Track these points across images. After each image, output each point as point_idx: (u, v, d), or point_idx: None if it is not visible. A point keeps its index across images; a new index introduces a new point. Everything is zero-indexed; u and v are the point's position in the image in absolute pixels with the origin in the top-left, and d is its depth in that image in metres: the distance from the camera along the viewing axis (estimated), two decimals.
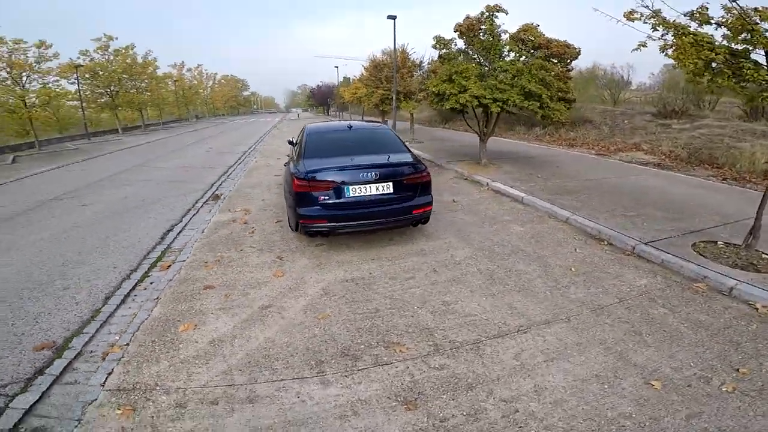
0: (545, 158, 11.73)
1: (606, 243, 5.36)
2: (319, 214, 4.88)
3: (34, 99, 20.59)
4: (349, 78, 38.28)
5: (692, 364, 3.00)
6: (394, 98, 18.46)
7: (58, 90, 22.44)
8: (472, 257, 5.00)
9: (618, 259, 4.86)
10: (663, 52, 4.60)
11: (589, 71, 25.25)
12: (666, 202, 6.80)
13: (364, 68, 21.97)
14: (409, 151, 5.77)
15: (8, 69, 19.49)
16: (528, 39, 8.96)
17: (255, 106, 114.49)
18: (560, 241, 5.48)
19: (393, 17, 17.52)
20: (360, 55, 68.96)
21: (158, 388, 2.90)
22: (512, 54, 9.36)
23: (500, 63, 9.07)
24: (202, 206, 7.94)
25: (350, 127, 6.28)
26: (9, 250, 5.71)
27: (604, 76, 24.98)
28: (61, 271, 4.98)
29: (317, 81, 60.01)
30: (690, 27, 4.35)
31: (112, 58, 32.12)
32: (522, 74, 8.55)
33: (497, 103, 8.64)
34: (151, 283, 4.62)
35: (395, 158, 5.36)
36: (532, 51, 9.13)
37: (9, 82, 19.65)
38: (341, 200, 4.90)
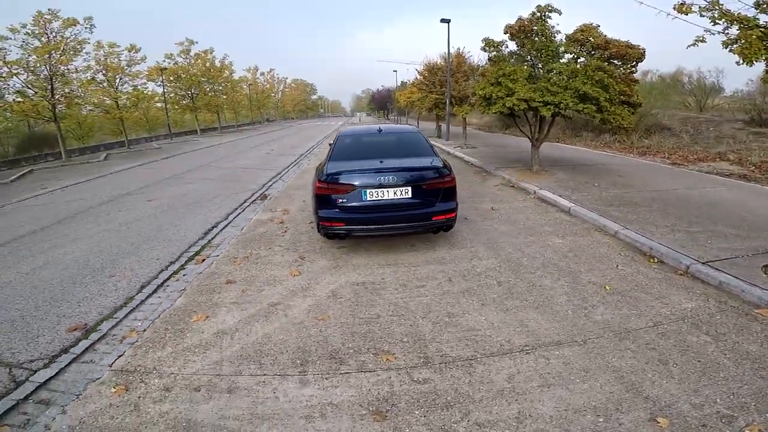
0: (608, 166, 10.82)
1: (656, 261, 4.79)
2: (337, 216, 4.91)
3: (125, 100, 22.66)
4: (405, 82, 38.33)
5: (718, 400, 2.56)
6: (447, 103, 18.15)
7: (146, 92, 24.64)
8: (494, 269, 4.73)
9: (666, 279, 4.32)
10: (727, 47, 4.05)
11: (671, 76, 22.97)
12: (741, 218, 5.93)
13: (419, 72, 21.83)
14: (436, 155, 5.62)
15: (104, 71, 21.53)
16: (586, 40, 8.34)
17: (322, 110, 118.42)
18: (602, 256, 5.00)
19: (447, 21, 17.14)
20: (419, 58, 68.90)
21: (155, 371, 3.11)
22: (568, 56, 8.78)
23: (555, 65, 8.53)
24: (248, 205, 8.41)
25: (380, 130, 6.32)
26: (76, 240, 6.46)
27: (689, 81, 22.53)
28: (113, 260, 5.54)
29: (379, 85, 61.21)
30: (758, 20, 3.77)
31: (192, 61, 34.16)
32: (577, 76, 7.98)
33: (549, 106, 8.13)
34: (184, 275, 4.98)
35: (418, 162, 5.25)
36: (591, 52, 8.49)
37: (105, 84, 21.77)
38: (358, 203, 4.89)
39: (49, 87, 16.93)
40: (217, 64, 37.06)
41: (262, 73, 66.04)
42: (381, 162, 5.13)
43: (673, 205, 6.68)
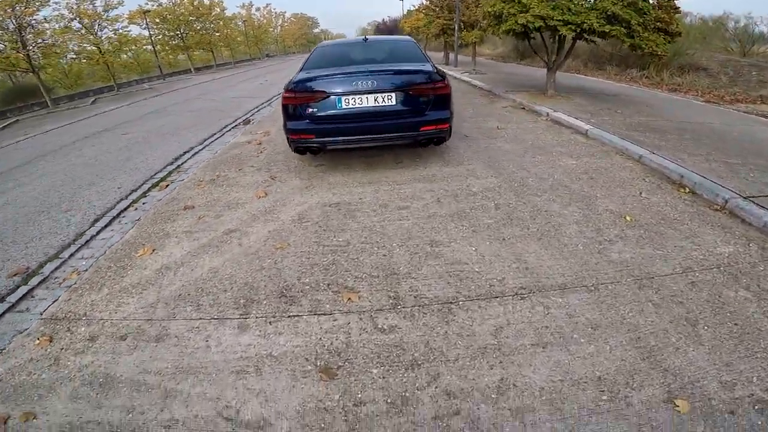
0: (634, 98, 9.55)
1: (688, 191, 3.94)
2: (306, 128, 4.20)
3: (107, 46, 21.81)
4: (412, 10, 35.67)
5: (755, 380, 1.88)
6: (456, 27, 16.39)
7: (128, 36, 23.68)
8: (493, 189, 3.98)
9: (699, 214, 3.46)
10: None
11: (715, 20, 20.35)
12: None
13: None
14: (428, 60, 4.71)
15: (79, 18, 20.53)
16: None
17: None
18: (623, 181, 4.16)
19: None
20: None
21: (84, 318, 2.59)
22: None
23: None
24: (229, 131, 7.66)
25: (366, 39, 5.39)
26: (41, 177, 5.83)
27: (735, 27, 19.91)
28: (73, 193, 4.94)
29: (385, 16, 58.02)
30: None
31: (178, 1, 32.50)
32: None
33: (569, 26, 6.90)
34: (144, 203, 4.40)
35: (404, 66, 4.38)
36: None
37: (83, 31, 20.86)
38: (332, 112, 4.15)
39: (20, 39, 16.31)
40: (206, 1, 35.17)
41: (258, 9, 62.14)
42: (361, 67, 4.29)
43: (707, 137, 5.67)
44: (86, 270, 3.16)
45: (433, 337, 2.19)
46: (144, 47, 30.60)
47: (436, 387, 1.91)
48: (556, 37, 8.11)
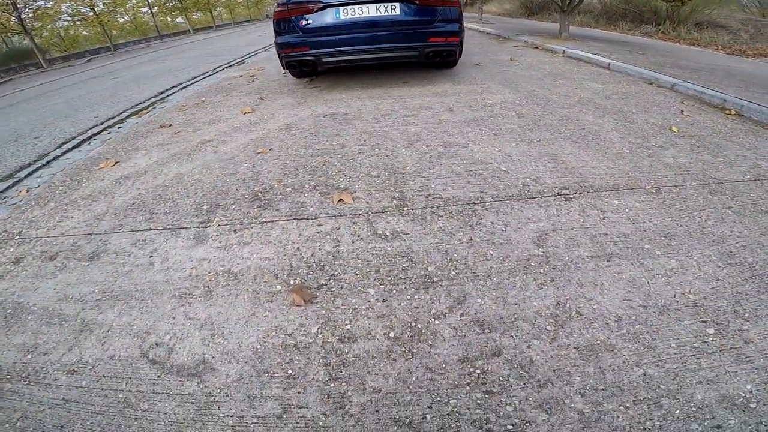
0: (652, 45, 8.57)
1: (734, 113, 3.28)
2: (299, 40, 3.59)
3: (102, 6, 20.76)
4: None
5: None
6: None
7: None
8: (513, 102, 3.33)
9: (754, 131, 2.85)
10: None
11: None
12: None
13: None
14: None
15: None
16: None
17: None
18: (659, 103, 3.47)
19: None
20: None
21: (18, 236, 2.03)
22: None
23: None
24: (222, 70, 6.86)
25: None
26: (20, 115, 5.16)
27: None
28: (46, 124, 4.29)
29: None
30: None
31: None
32: None
33: None
34: (119, 129, 3.74)
35: None
36: None
37: None
38: (329, 22, 3.53)
39: (11, 2, 15.16)
40: None
41: None
42: None
43: (740, 75, 4.86)
44: (38, 186, 2.60)
45: (453, 246, 1.58)
46: (141, 9, 29.54)
47: (461, 314, 1.29)
48: None
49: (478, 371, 1.11)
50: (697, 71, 4.93)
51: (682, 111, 3.25)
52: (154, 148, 2.85)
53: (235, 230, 1.77)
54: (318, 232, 1.69)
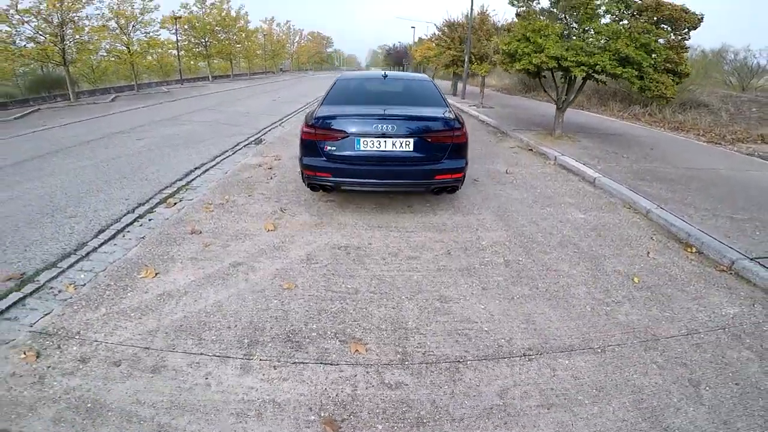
0: (638, 138, 9.71)
1: (695, 251, 3.98)
2: (323, 165, 4.17)
3: (137, 47, 22.41)
4: (423, 39, 36.73)
5: None
6: (466, 59, 16.67)
7: (159, 40, 24.32)
8: (503, 244, 3.96)
9: (705, 275, 3.54)
10: None
11: (714, 53, 20.83)
12: None
13: (438, 28, 20.37)
14: (447, 105, 4.75)
15: (117, 19, 21.13)
16: (632, 0, 7.10)
17: (337, 63, 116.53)
18: (631, 239, 4.19)
19: None
20: (440, 18, 65.52)
21: (77, 336, 2.52)
22: (608, 17, 7.55)
23: (593, 24, 7.32)
24: (240, 149, 7.66)
25: (385, 76, 5.42)
26: (50, 175, 5.76)
27: (734, 60, 20.38)
28: (79, 198, 4.87)
29: (396, 41, 59.31)
30: None
31: (207, 11, 33.40)
32: (619, 37, 6.80)
33: (582, 67, 7.02)
34: (150, 220, 4.35)
35: (424, 111, 4.40)
36: (636, 14, 7.26)
37: (118, 31, 21.43)
38: (350, 153, 4.13)
39: (60, 33, 16.67)
40: (233, 14, 36.10)
41: (278, 24, 63.55)
42: (381, 109, 4.30)
43: (714, 186, 5.75)
44: (84, 285, 3.09)
45: (439, 396, 2.14)
46: (169, 51, 31.23)
47: None
48: (567, 77, 8.23)
49: None
50: (674, 183, 5.79)
51: (648, 252, 3.92)
52: (189, 262, 3.39)
53: (274, 366, 2.29)
54: (340, 377, 2.23)
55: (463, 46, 17.38)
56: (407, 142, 4.09)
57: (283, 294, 2.98)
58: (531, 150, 8.11)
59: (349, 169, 4.15)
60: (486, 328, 2.72)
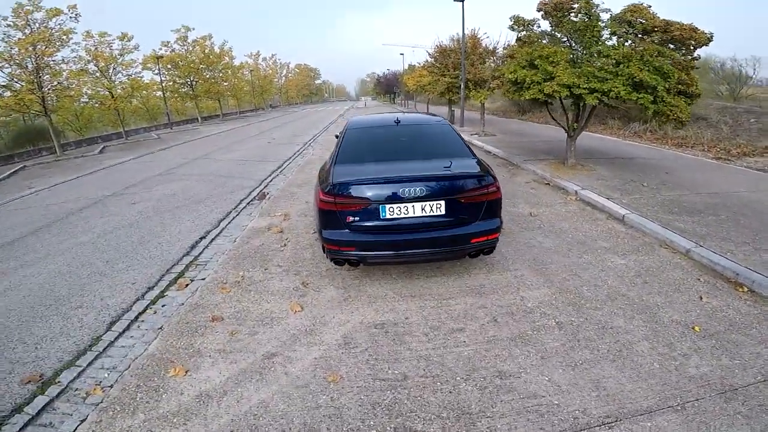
0: (649, 161, 9.95)
1: (747, 290, 4.01)
2: (346, 239, 4.00)
3: (119, 90, 22.93)
4: (414, 65, 37.76)
5: None
6: (462, 86, 17.18)
7: (142, 81, 24.73)
8: (549, 303, 3.96)
9: (765, 315, 3.59)
10: None
11: (700, 62, 21.81)
12: None
13: (429, 55, 20.99)
14: (474, 155, 4.71)
15: (95, 61, 21.60)
16: (637, 21, 7.41)
17: (327, 95, 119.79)
18: (678, 283, 4.23)
19: None
20: (428, 42, 67.86)
21: None
22: (613, 39, 7.87)
23: (600, 47, 7.59)
24: (244, 207, 7.74)
25: (397, 121, 5.33)
26: (46, 257, 5.77)
27: (721, 69, 21.29)
28: (83, 285, 4.85)
29: (385, 69, 61.09)
30: None
31: (190, 48, 34.49)
32: (631, 60, 7.00)
33: (595, 94, 7.21)
34: (163, 306, 4.29)
35: (452, 167, 4.34)
36: (641, 35, 7.57)
37: (98, 74, 22.00)
38: (375, 223, 3.97)
39: (36, 80, 17.05)
40: (216, 50, 37.37)
41: (264, 59, 65.95)
42: (404, 166, 4.21)
43: (743, 215, 5.83)
44: (111, 386, 3.10)
45: None
46: (154, 93, 32.23)
47: None
48: (579, 105, 8.44)
49: None
50: (702, 215, 5.91)
51: (701, 297, 3.95)
52: (218, 355, 3.35)
53: None
54: None
55: (457, 72, 17.90)
56: (438, 206, 3.94)
57: (330, 388, 2.94)
58: (548, 184, 8.24)
59: (375, 241, 4.00)
60: (556, 402, 2.70)
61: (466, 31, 17.06)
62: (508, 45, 14.61)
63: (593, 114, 9.07)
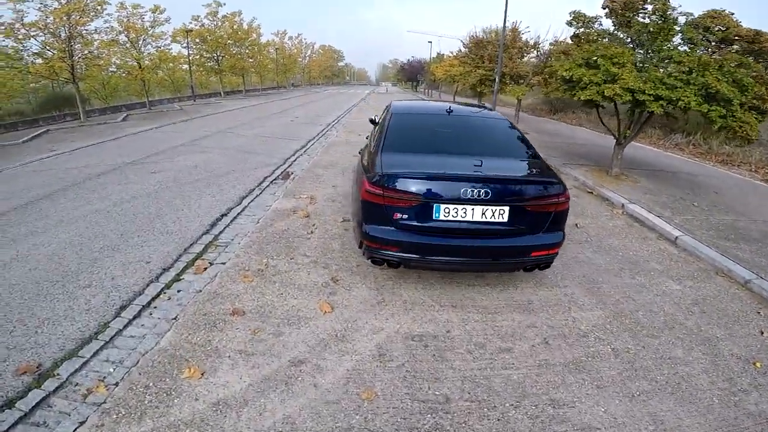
0: (695, 177, 9.47)
1: None
2: (391, 238, 3.59)
3: (147, 61, 23.16)
4: (443, 54, 37.02)
5: None
6: (497, 80, 16.59)
7: (170, 54, 24.96)
8: (604, 327, 3.65)
9: None
10: None
11: None
12: None
13: (463, 44, 20.39)
14: (538, 154, 4.29)
15: (126, 32, 21.78)
16: (716, 28, 6.87)
17: (348, 78, 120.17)
18: (738, 315, 3.96)
19: None
20: (452, 32, 67.15)
21: None
22: (684, 45, 7.36)
23: (673, 52, 7.07)
24: (267, 185, 7.51)
25: (450, 111, 4.89)
26: (58, 225, 5.50)
27: None
28: (94, 259, 4.57)
29: (408, 56, 60.54)
30: None
31: (219, 24, 34.74)
32: (707, 69, 6.46)
33: (660, 102, 6.69)
34: (179, 292, 3.97)
35: (519, 168, 3.95)
36: (718, 44, 7.04)
37: (128, 45, 22.14)
38: (427, 224, 3.57)
39: (68, 48, 17.15)
40: (245, 26, 37.57)
41: (290, 38, 65.90)
42: (465, 162, 3.78)
43: None
44: (116, 384, 2.80)
45: None
46: (180, 65, 32.52)
47: None
48: (637, 111, 7.94)
49: None
50: (759, 243, 5.63)
51: (762, 331, 3.72)
52: (239, 357, 3.07)
53: None
54: None
55: (493, 65, 17.36)
56: (501, 212, 3.52)
57: (364, 407, 2.67)
58: (591, 192, 7.84)
59: (424, 244, 3.59)
60: None
61: (504, 23, 16.46)
62: (556, 41, 14.03)
63: (648, 123, 8.59)
